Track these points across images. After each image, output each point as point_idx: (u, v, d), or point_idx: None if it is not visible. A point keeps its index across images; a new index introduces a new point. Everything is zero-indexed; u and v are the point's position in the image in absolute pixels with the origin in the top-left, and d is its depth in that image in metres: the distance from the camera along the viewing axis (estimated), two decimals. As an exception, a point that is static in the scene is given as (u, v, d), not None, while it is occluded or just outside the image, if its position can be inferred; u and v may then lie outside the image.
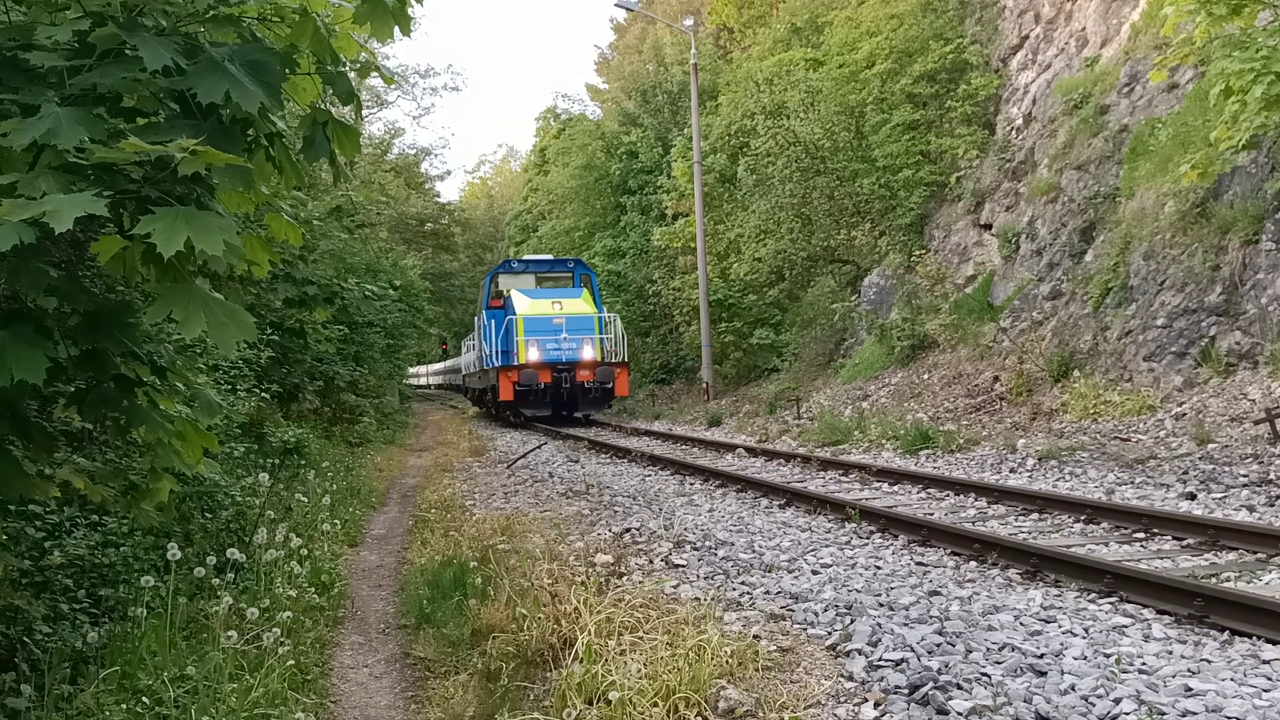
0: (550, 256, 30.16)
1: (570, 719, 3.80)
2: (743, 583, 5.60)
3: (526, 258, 28.70)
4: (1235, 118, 9.08)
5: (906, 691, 3.63)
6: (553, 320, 22.04)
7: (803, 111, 22.31)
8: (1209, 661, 4.05)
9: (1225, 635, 4.43)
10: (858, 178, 21.47)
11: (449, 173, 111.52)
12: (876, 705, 3.55)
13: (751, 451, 14.07)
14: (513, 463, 13.94)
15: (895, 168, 20.72)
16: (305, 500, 8.14)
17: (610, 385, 21.95)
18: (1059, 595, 5.24)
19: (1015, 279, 17.71)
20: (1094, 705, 3.48)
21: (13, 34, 2.73)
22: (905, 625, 4.44)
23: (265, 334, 10.49)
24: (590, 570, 5.80)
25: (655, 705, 3.65)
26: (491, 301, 24.47)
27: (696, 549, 6.72)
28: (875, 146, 20.98)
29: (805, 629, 4.53)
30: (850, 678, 3.86)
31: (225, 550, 5.47)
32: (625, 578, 5.77)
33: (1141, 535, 6.85)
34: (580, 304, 22.84)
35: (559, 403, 22.48)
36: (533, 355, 21.70)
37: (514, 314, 22.17)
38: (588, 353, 22.01)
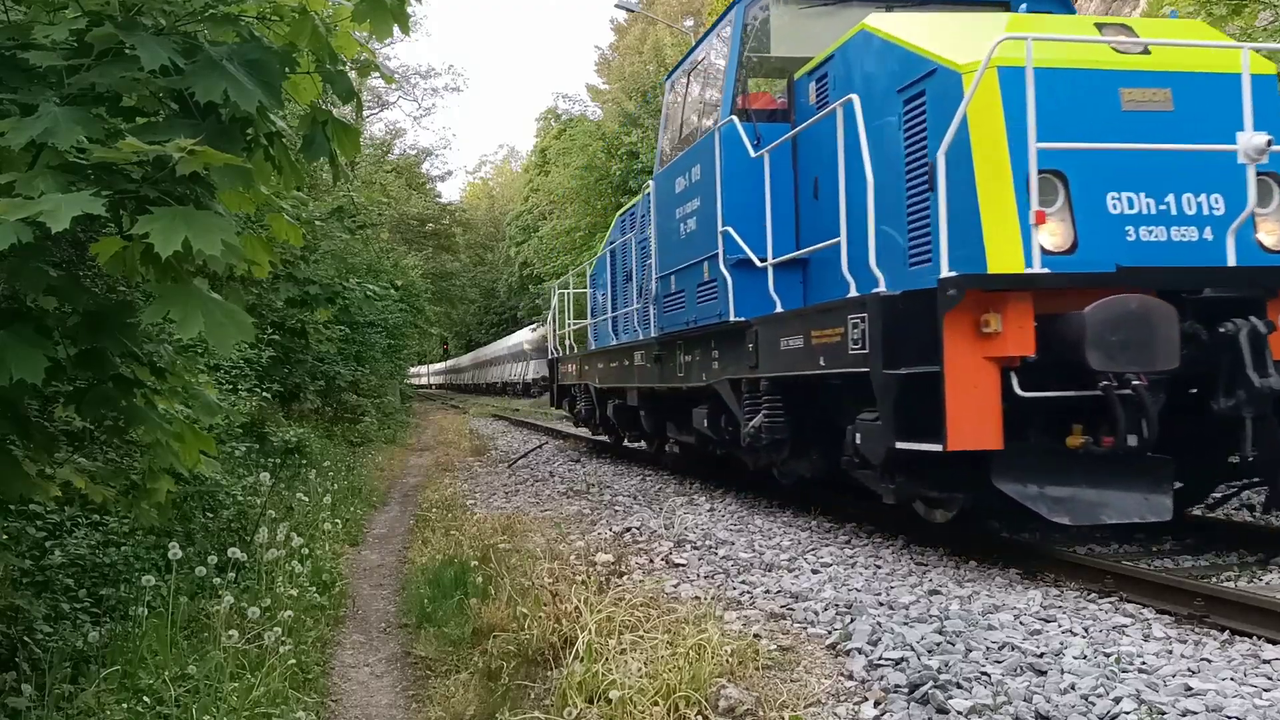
0: None
1: (571, 718, 3.80)
2: (743, 582, 5.60)
3: None
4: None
5: (906, 690, 3.63)
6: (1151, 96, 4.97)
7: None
8: (1209, 661, 4.04)
9: (1225, 635, 4.42)
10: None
11: (450, 173, 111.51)
12: (876, 704, 3.55)
13: (752, 451, 14.01)
14: (513, 462, 13.94)
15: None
16: (306, 500, 8.14)
17: None
18: (1059, 595, 5.23)
19: (1016, 278, 17.68)
20: (1094, 704, 3.48)
21: (11, 33, 2.74)
22: (905, 624, 4.44)
23: (266, 334, 10.50)
24: (591, 569, 5.80)
25: (656, 704, 3.65)
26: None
27: (697, 548, 6.71)
28: (876, 146, 20.92)
29: (805, 628, 4.53)
30: (850, 676, 3.87)
31: (226, 549, 5.47)
32: (626, 577, 5.77)
33: (1141, 534, 6.83)
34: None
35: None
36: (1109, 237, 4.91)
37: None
38: None
